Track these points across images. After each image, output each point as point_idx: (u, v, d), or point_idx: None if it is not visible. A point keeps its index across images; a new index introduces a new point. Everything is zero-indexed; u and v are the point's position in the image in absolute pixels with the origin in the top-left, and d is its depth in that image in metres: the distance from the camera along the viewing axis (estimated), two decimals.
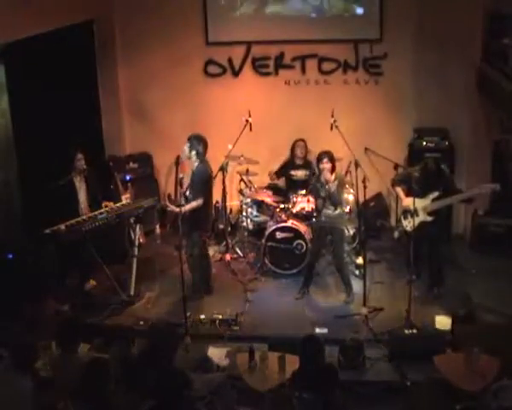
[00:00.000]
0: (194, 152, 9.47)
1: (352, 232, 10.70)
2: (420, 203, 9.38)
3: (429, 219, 9.48)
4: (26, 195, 9.71)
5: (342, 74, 11.78)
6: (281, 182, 11.77)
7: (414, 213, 9.26)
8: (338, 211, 9.50)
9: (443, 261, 9.91)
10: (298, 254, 10.42)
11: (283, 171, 11.64)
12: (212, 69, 12.04)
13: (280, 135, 11.78)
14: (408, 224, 9.53)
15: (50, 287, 9.51)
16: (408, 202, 9.45)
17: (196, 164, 9.54)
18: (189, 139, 9.50)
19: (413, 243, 9.02)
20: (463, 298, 9.50)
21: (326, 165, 9.32)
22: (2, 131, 9.48)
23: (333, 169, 9.38)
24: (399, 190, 9.76)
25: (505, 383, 6.60)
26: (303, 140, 11.54)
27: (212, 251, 10.86)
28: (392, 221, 11.61)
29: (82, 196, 9.79)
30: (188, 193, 9.55)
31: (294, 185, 11.22)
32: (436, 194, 9.43)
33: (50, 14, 9.64)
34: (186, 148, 9.47)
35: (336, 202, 9.41)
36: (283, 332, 8.82)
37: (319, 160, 9.42)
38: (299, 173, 11.29)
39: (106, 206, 9.76)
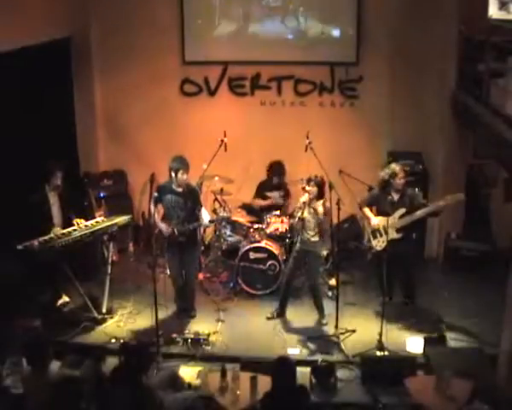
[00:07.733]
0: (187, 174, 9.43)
1: (325, 254, 10.70)
2: (387, 221, 9.45)
3: (398, 236, 9.56)
4: None
5: (318, 96, 11.86)
6: (262, 201, 11.58)
7: (383, 231, 9.46)
8: (316, 237, 9.55)
9: (416, 279, 10.02)
10: (271, 274, 10.45)
11: (260, 192, 11.59)
12: (189, 88, 12.06)
13: (255, 155, 11.80)
14: (377, 243, 9.61)
15: (22, 302, 9.40)
16: (376, 221, 9.57)
17: (186, 183, 9.45)
18: (187, 165, 9.34)
19: (385, 263, 9.08)
20: (435, 321, 9.56)
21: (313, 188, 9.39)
22: None
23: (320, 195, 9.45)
24: (366, 210, 9.82)
25: (477, 407, 6.62)
26: (280, 162, 11.54)
27: None
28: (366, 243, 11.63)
29: (55, 212, 9.70)
30: (184, 214, 9.47)
31: (269, 206, 11.24)
32: (403, 211, 9.54)
33: (27, 29, 9.61)
34: (185, 175, 9.32)
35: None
36: (255, 353, 8.80)
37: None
38: (274, 194, 11.32)
39: (77, 223, 9.68)
